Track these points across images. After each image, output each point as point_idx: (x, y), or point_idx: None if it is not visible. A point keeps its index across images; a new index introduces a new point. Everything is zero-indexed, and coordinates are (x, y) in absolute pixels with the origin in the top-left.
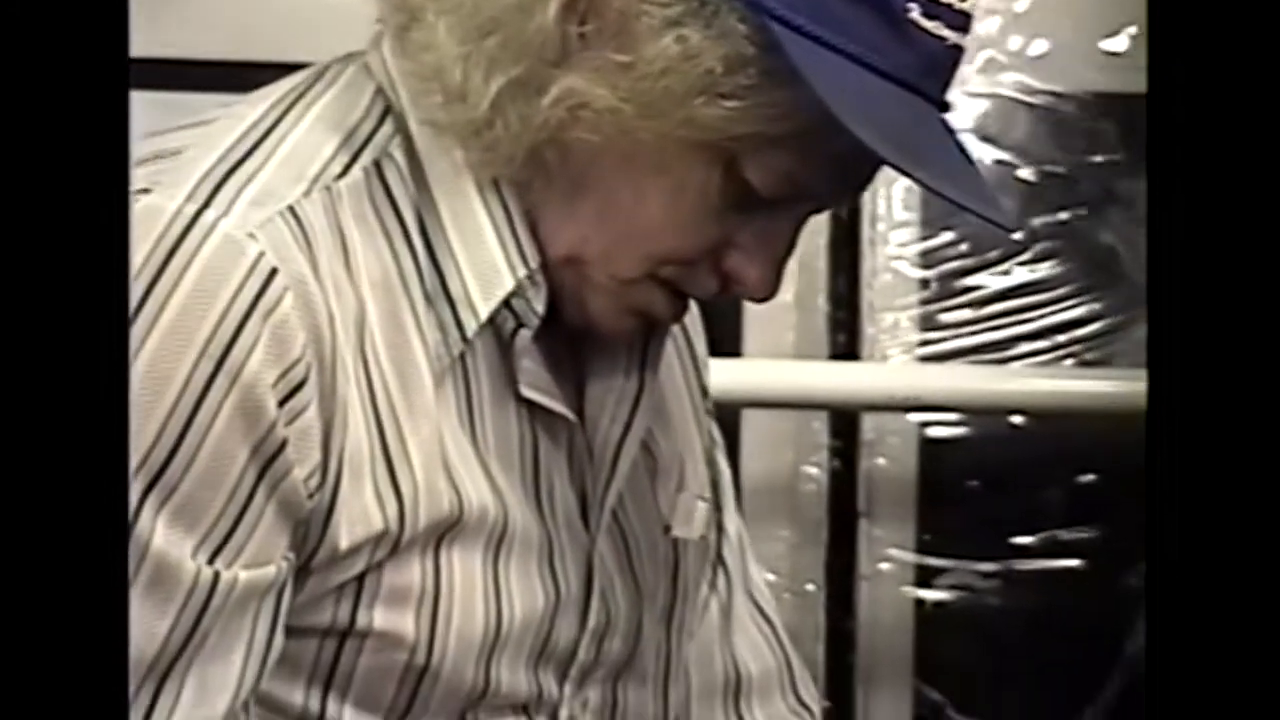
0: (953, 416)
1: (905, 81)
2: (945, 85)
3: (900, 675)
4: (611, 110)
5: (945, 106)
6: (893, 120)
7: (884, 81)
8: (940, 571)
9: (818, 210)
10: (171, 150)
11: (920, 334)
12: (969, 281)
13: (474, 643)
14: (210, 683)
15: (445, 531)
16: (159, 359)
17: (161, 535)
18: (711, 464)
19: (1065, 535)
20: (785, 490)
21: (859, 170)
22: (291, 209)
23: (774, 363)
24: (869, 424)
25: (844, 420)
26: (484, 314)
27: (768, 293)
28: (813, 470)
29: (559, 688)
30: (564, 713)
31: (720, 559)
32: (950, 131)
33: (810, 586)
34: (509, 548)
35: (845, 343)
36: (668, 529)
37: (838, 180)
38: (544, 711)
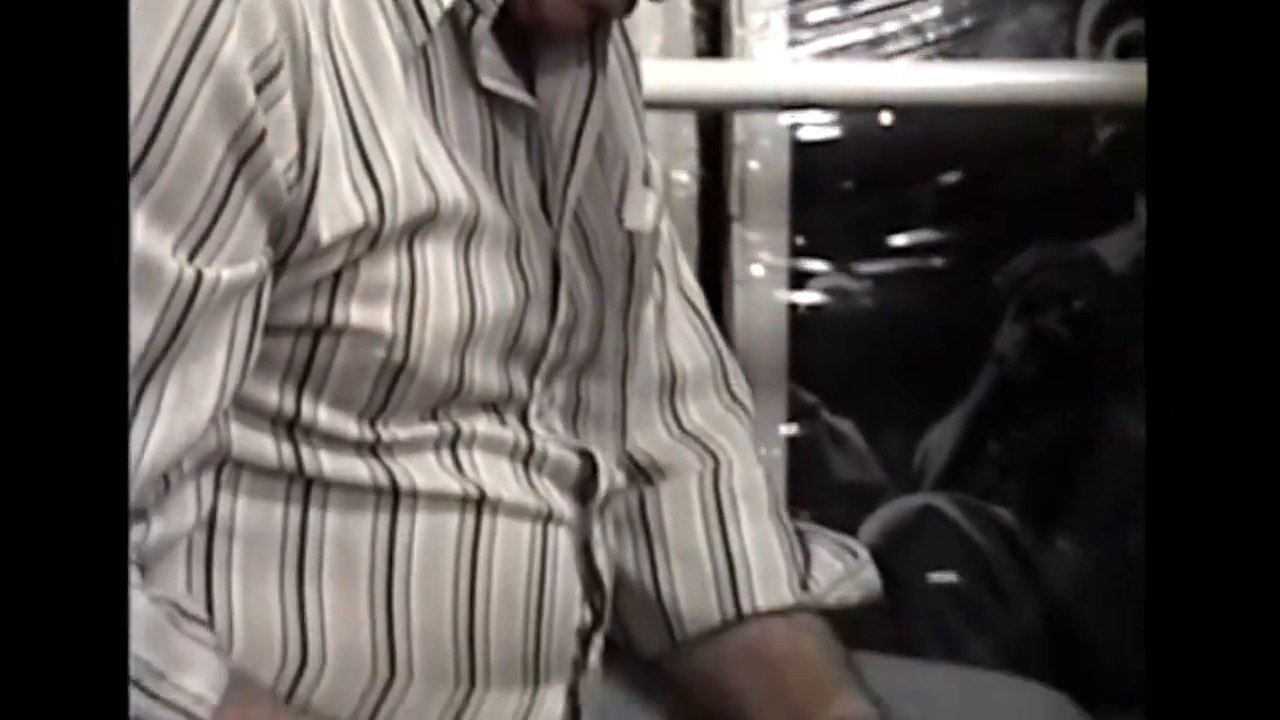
0: (824, 118)
1: None
2: None
3: (775, 378)
4: None
5: None
6: None
7: None
8: (813, 275)
9: None
10: None
11: (789, 33)
12: None
13: (448, 337)
14: (193, 384)
15: (420, 225)
16: (131, 46)
17: (141, 231)
18: (647, 160)
19: (936, 235)
20: None
21: None
22: None
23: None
24: (739, 127)
25: (713, 124)
26: (448, 1)
27: None
28: (682, 176)
29: (528, 384)
30: (533, 409)
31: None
32: None
33: None
34: (480, 241)
35: (712, 43)
36: (622, 222)
37: None
38: (513, 409)
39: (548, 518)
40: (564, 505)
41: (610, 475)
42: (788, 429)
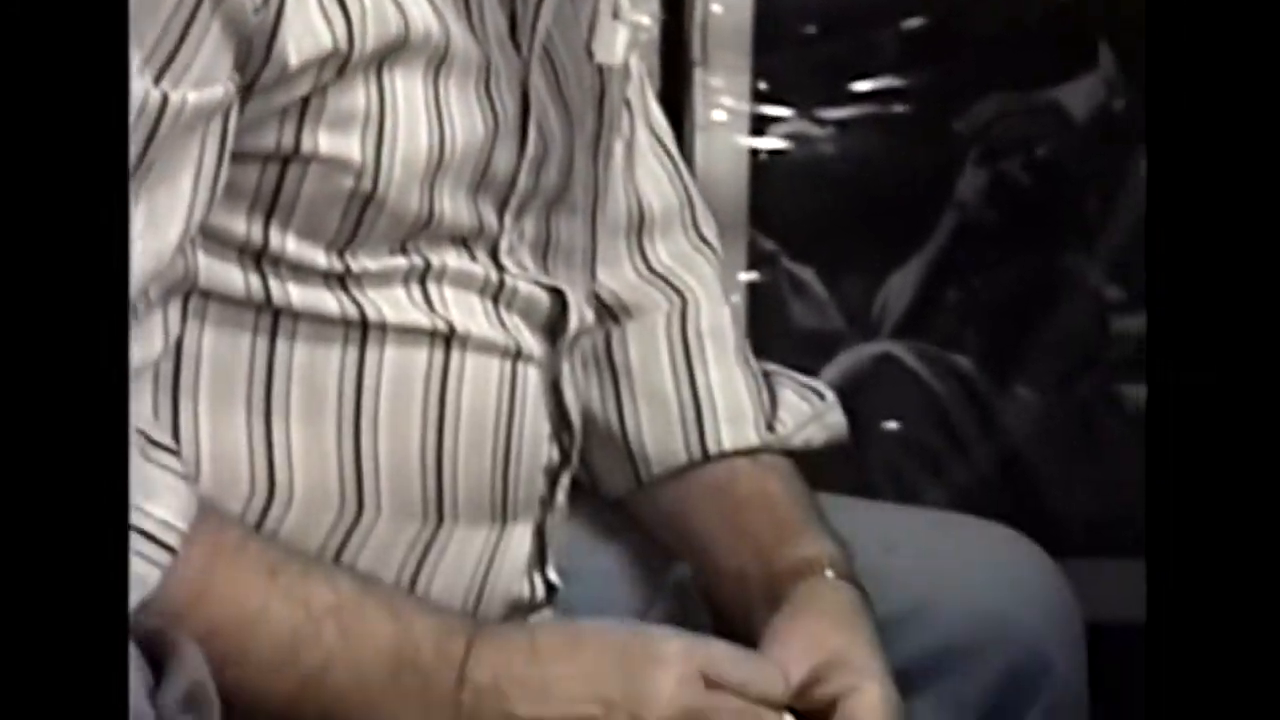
0: None
1: None
2: None
3: (735, 225)
4: None
5: None
6: None
7: None
8: (775, 120)
9: None
10: None
11: None
12: None
13: (417, 167)
14: (159, 209)
15: (390, 53)
16: None
17: None
18: None
19: (898, 81)
20: None
21: None
22: None
23: None
24: None
25: None
26: None
27: None
28: (644, 19)
29: (498, 218)
30: (503, 244)
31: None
32: None
33: None
34: (449, 70)
35: None
36: (592, 55)
37: None
38: (483, 244)
39: (517, 354)
40: (533, 343)
41: (580, 313)
42: (747, 276)
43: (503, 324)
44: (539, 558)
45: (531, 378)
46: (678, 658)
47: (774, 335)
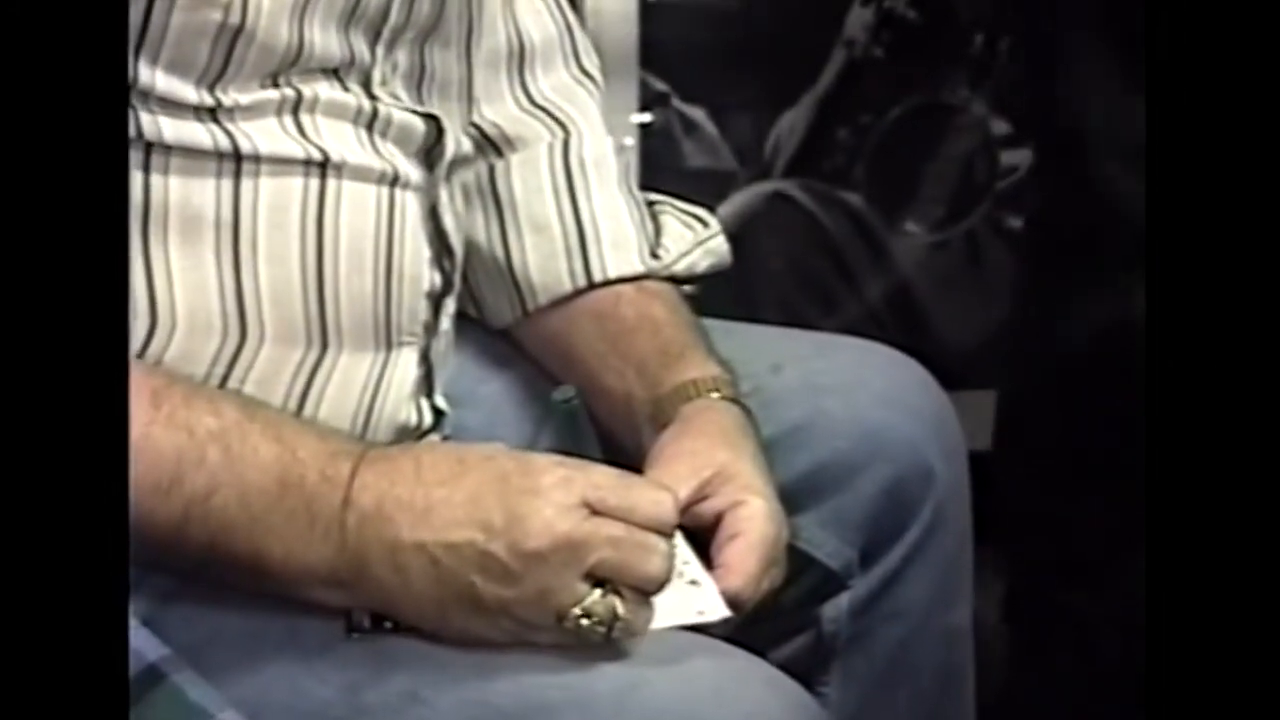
0: None
1: None
2: None
3: (626, 65)
4: None
5: None
6: None
7: None
8: None
9: None
10: None
11: None
12: None
13: (287, 0)
14: None
15: None
16: None
17: None
18: None
19: None
20: None
21: None
22: None
23: None
24: None
25: None
26: None
27: None
28: None
29: (370, 50)
30: (375, 76)
31: None
32: None
33: None
34: None
35: None
36: None
37: None
38: (355, 75)
39: (394, 180)
40: (410, 168)
41: (456, 139)
42: (639, 117)
43: (377, 151)
44: (426, 383)
45: (409, 203)
46: (559, 487)
47: (667, 175)
